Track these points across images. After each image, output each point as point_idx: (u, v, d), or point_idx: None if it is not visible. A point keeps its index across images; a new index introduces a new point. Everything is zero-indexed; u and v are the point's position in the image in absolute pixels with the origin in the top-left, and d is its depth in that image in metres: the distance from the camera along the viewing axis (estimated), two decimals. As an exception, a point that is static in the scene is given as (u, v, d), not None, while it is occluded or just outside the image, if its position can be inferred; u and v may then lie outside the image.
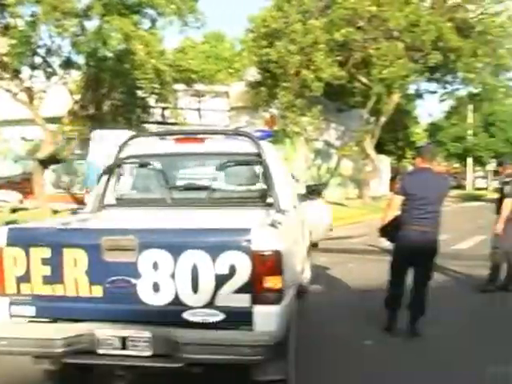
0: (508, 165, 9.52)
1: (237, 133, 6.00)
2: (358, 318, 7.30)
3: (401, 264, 6.55)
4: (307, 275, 7.96)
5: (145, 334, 3.97)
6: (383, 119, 28.24)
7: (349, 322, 7.07)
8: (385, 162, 34.34)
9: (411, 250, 6.33)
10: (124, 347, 4.00)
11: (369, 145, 28.65)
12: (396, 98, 27.53)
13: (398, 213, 6.51)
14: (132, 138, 5.84)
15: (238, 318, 3.93)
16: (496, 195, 9.57)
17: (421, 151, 6.69)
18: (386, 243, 6.78)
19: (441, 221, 6.47)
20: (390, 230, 6.54)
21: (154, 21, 22.02)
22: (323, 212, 9.81)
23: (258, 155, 5.38)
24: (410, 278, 6.61)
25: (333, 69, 23.28)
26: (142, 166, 6.03)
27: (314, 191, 6.92)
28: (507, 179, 9.10)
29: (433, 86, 31.00)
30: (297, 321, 5.01)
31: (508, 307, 8.28)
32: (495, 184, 17.45)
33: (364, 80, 26.70)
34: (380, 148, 33.53)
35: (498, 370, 5.51)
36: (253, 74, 27.31)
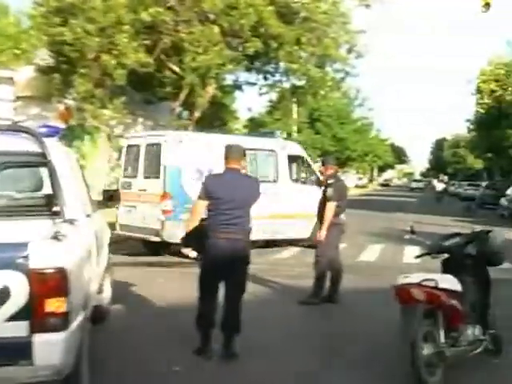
0: (329, 165, 9.99)
1: (14, 128, 5.78)
2: (166, 340, 7.35)
3: (210, 277, 6.65)
4: (107, 294, 7.87)
5: None
6: (197, 114, 28.61)
7: (156, 346, 7.07)
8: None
9: (220, 260, 6.44)
10: None
11: (182, 142, 28.86)
12: (211, 89, 28.00)
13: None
14: None
15: (14, 351, 3.80)
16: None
17: (227, 150, 6.83)
18: (192, 253, 6.84)
19: (252, 227, 6.69)
20: (194, 238, 6.61)
21: None
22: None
23: (42, 155, 5.21)
24: (221, 292, 6.75)
25: (138, 54, 23.12)
26: None
27: (112, 197, 6.83)
28: (330, 181, 9.57)
29: (253, 77, 31.76)
30: (90, 349, 4.94)
31: (328, 319, 8.79)
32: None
33: (175, 68, 26.83)
34: (195, 146, 33.93)
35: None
36: (44, 57, 26.36)
